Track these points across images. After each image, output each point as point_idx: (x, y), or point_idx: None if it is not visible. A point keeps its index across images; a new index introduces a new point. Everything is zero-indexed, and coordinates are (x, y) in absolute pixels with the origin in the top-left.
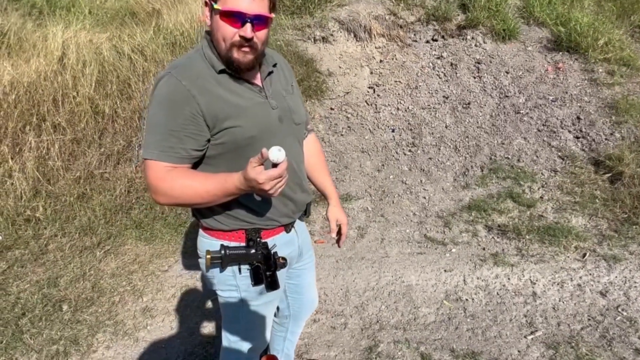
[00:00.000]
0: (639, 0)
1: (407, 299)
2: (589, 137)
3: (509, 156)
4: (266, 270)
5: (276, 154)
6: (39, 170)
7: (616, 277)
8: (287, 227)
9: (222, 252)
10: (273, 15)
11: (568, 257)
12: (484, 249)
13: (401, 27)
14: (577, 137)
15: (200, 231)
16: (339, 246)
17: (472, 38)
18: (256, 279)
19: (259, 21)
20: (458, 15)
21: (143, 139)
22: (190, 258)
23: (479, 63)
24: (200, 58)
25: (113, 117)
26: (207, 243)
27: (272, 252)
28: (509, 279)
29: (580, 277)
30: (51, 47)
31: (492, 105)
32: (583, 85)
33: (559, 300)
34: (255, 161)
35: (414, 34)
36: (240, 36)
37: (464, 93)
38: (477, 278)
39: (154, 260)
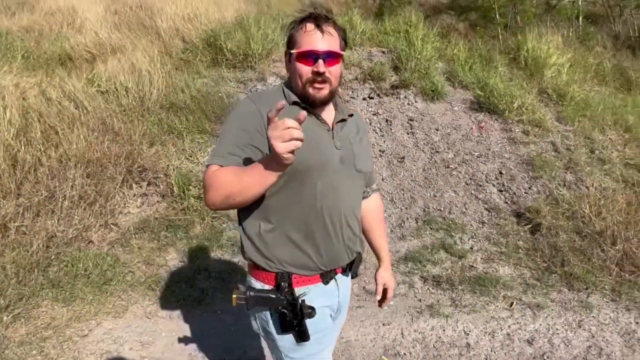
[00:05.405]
0: (543, 67)
1: (346, 356)
2: (510, 191)
3: (441, 208)
4: (293, 318)
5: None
6: None
7: (540, 324)
8: (325, 279)
9: (247, 293)
10: (344, 52)
11: (497, 306)
12: (420, 300)
13: (340, 84)
14: (501, 191)
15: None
16: (380, 307)
17: (405, 97)
18: (282, 327)
19: (331, 57)
20: (392, 76)
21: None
22: (113, 320)
23: (411, 120)
24: (278, 91)
25: (35, 166)
26: (249, 282)
27: (298, 299)
28: (444, 330)
29: (509, 326)
30: None
31: (425, 160)
32: (503, 142)
33: (491, 351)
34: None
35: (352, 91)
36: (314, 72)
37: (398, 148)
38: (415, 331)
39: (72, 323)
